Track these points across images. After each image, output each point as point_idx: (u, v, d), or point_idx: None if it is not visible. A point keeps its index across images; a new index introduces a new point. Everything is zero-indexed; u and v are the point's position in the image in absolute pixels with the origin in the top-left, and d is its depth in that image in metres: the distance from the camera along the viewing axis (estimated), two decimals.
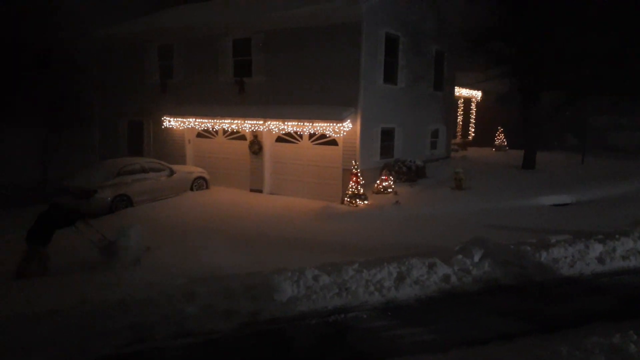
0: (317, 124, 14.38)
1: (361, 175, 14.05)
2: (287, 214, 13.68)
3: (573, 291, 7.87)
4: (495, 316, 6.87)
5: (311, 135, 15.44)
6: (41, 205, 14.00)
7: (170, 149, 18.77)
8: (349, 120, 14.26)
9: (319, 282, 7.46)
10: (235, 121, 16.05)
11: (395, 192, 14.72)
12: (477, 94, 26.69)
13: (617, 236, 9.50)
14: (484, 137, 26.72)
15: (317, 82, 15.07)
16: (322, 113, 14.45)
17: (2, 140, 19.99)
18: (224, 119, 16.27)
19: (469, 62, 20.99)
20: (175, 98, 18.31)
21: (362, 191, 13.93)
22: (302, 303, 7.06)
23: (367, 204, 13.84)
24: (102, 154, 20.79)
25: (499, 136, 25.93)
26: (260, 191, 16.51)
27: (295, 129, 15.07)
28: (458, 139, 25.79)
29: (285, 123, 14.97)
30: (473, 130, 27.40)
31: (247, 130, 16.26)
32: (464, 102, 26.59)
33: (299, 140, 15.85)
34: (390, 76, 16.03)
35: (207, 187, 16.83)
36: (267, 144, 16.39)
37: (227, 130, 17.05)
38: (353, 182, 13.93)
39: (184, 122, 17.46)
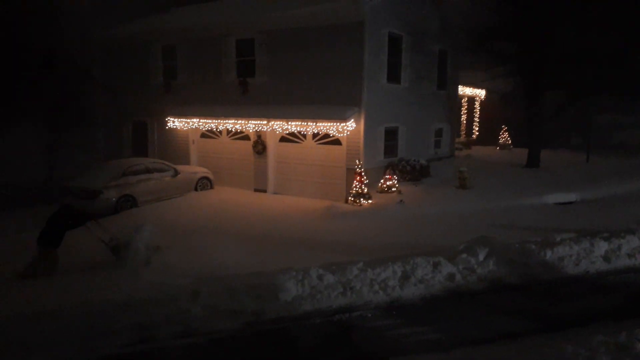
0: (320, 124, 14.38)
1: (365, 175, 14.04)
2: (291, 213, 13.69)
3: (578, 290, 7.85)
4: (500, 315, 6.86)
5: (315, 135, 15.45)
6: (46, 205, 14.09)
7: (174, 149, 18.82)
8: (352, 120, 14.26)
9: (324, 281, 7.46)
10: (239, 121, 16.07)
11: (399, 191, 14.71)
12: (481, 93, 26.65)
13: (622, 234, 9.46)
14: (488, 136, 26.68)
15: (321, 82, 15.07)
16: (326, 113, 14.45)
17: (7, 141, 20.07)
18: (228, 119, 16.30)
19: (472, 61, 20.96)
20: (179, 98, 18.35)
21: (366, 190, 13.92)
22: (306, 302, 7.07)
23: (371, 203, 13.83)
24: (106, 154, 20.86)
25: (503, 135, 25.89)
26: (264, 191, 16.53)
27: (298, 129, 15.08)
28: (462, 138, 25.75)
29: (289, 123, 14.98)
30: (477, 129, 27.36)
31: (250, 131, 16.28)
32: (467, 101, 26.54)
33: (303, 140, 15.85)
34: (393, 75, 16.01)
35: (211, 187, 16.86)
36: (271, 144, 16.41)
37: (231, 131, 17.08)
38: (357, 181, 13.93)
39: (188, 123, 17.50)
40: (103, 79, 20.54)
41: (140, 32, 19.70)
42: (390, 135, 16.29)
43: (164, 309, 6.58)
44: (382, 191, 14.81)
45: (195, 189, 16.33)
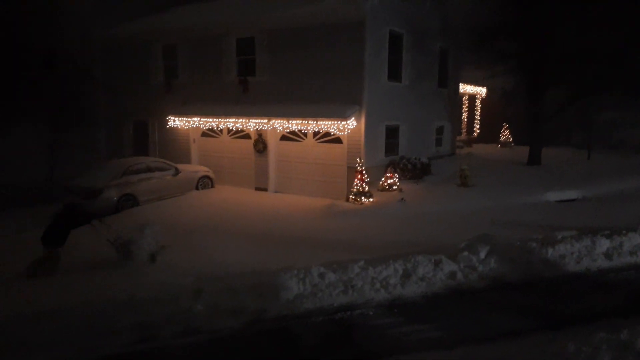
0: (321, 122, 14.37)
1: (366, 173, 14.03)
2: (293, 212, 13.69)
3: (580, 287, 7.84)
4: (502, 313, 6.86)
5: (315, 134, 15.44)
6: (47, 205, 14.13)
7: (175, 148, 18.83)
8: (353, 118, 14.25)
9: (325, 279, 7.47)
10: (240, 120, 16.07)
11: (400, 190, 14.70)
12: (482, 91, 26.61)
13: (624, 232, 9.44)
14: (489, 134, 26.63)
15: (321, 80, 15.07)
16: (327, 111, 14.45)
17: (7, 141, 20.09)
18: (229, 118, 16.30)
19: (473, 59, 20.91)
20: (180, 97, 18.35)
21: (367, 189, 13.92)
22: (308, 301, 7.08)
23: (372, 202, 13.83)
24: (107, 154, 20.88)
25: (504, 132, 25.84)
26: (265, 190, 16.53)
27: (299, 128, 15.07)
28: (463, 136, 25.73)
29: (290, 121, 14.97)
30: (478, 126, 27.32)
31: (251, 129, 16.27)
32: (468, 99, 26.51)
33: (304, 139, 15.85)
34: (394, 74, 16.00)
35: (212, 186, 16.87)
36: (272, 143, 16.40)
37: (232, 129, 17.07)
38: (358, 179, 13.93)
39: (189, 122, 17.50)
40: (103, 78, 20.55)
41: (140, 32, 19.70)
42: (391, 133, 16.28)
43: (165, 308, 6.59)
44: (383, 189, 14.80)
45: (196, 188, 16.33)
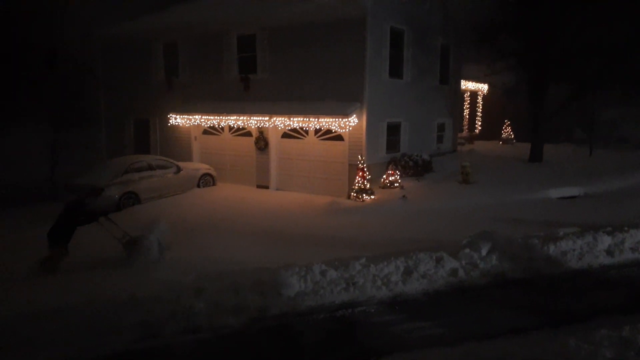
0: (322, 120, 14.36)
1: (367, 170, 14.03)
2: (294, 209, 13.70)
3: (581, 284, 7.83)
4: (503, 310, 6.86)
5: (317, 131, 15.43)
6: (47, 204, 14.17)
7: (176, 146, 18.84)
8: (354, 115, 14.24)
9: (327, 277, 7.47)
10: (241, 118, 16.06)
11: (401, 187, 14.70)
12: (484, 87, 26.54)
13: (625, 228, 9.44)
14: (491, 131, 26.58)
15: (323, 78, 15.05)
16: (328, 108, 14.44)
17: (9, 140, 20.14)
18: (230, 116, 16.29)
19: (475, 55, 20.86)
20: (181, 95, 18.36)
21: (368, 186, 13.92)
22: (309, 298, 7.08)
23: (373, 199, 13.83)
24: (108, 152, 20.90)
25: (506, 129, 25.79)
26: (267, 187, 16.54)
27: (301, 125, 15.06)
28: (465, 133, 25.69)
29: (291, 119, 14.97)
30: (480, 123, 27.26)
31: (252, 127, 16.28)
32: (470, 96, 26.44)
33: (305, 136, 15.84)
34: (395, 70, 15.97)
35: (213, 184, 16.89)
36: (273, 140, 16.40)
37: (233, 127, 17.08)
38: (359, 177, 13.92)
39: (190, 120, 17.50)
40: (104, 77, 20.56)
41: (141, 30, 19.69)
42: (393, 130, 16.26)
43: (166, 307, 6.59)
44: (384, 187, 14.80)
45: (198, 186, 16.35)
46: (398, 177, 14.97)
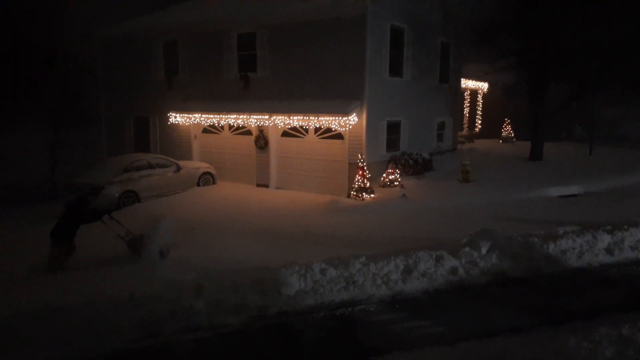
0: (322, 118, 14.35)
1: (367, 169, 14.03)
2: (294, 208, 13.69)
3: (581, 283, 7.84)
4: (503, 308, 6.86)
5: (317, 130, 15.43)
6: (47, 204, 14.17)
7: (176, 144, 18.83)
8: (354, 114, 14.23)
9: (326, 275, 7.47)
10: (241, 116, 16.05)
11: (401, 186, 14.70)
12: (484, 86, 26.52)
13: (625, 227, 9.43)
14: (491, 129, 26.56)
15: (323, 76, 15.04)
16: (328, 107, 14.43)
17: (9, 140, 20.14)
18: (230, 114, 16.28)
19: (475, 54, 20.85)
20: (181, 94, 18.35)
21: (368, 185, 13.91)
22: (309, 297, 7.09)
23: (373, 198, 13.82)
24: (108, 151, 20.89)
25: (506, 128, 25.78)
26: (267, 186, 16.54)
27: (300, 124, 15.05)
28: (465, 131, 25.67)
29: (291, 117, 14.96)
30: (480, 122, 27.25)
31: (252, 125, 16.27)
32: (470, 94, 26.43)
33: (305, 135, 15.84)
34: (395, 69, 15.96)
35: (213, 183, 16.88)
36: (273, 139, 16.40)
37: (233, 126, 17.07)
38: (359, 175, 13.92)
39: (190, 118, 17.49)
40: (104, 77, 20.56)
41: (140, 29, 19.66)
42: (393, 129, 16.25)
43: (167, 305, 6.60)
44: (384, 185, 14.79)
45: (198, 185, 16.35)
46: (398, 176, 14.97)
